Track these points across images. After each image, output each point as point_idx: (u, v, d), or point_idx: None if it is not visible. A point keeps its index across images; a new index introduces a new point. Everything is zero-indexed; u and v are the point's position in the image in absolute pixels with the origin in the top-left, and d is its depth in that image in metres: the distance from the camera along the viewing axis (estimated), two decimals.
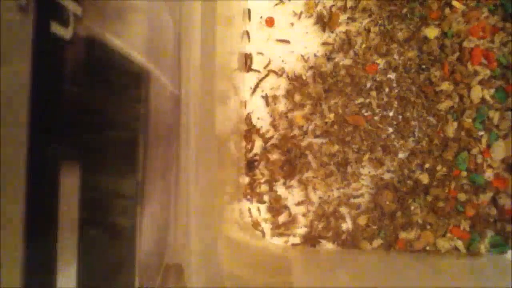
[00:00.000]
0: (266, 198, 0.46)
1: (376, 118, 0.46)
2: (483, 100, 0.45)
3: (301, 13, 0.47)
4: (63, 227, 0.18)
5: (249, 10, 0.47)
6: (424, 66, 0.46)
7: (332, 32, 0.46)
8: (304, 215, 0.46)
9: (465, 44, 0.45)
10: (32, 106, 0.15)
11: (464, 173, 0.45)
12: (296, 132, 0.46)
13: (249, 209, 0.46)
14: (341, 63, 0.46)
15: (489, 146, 0.45)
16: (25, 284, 0.15)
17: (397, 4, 0.46)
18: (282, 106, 0.46)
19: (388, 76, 0.46)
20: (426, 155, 0.45)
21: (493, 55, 0.45)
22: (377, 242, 0.45)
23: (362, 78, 0.45)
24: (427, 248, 0.45)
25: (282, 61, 0.47)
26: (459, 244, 0.45)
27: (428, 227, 0.45)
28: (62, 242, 0.18)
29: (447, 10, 0.45)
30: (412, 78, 0.46)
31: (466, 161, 0.45)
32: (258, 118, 0.47)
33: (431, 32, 0.45)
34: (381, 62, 0.46)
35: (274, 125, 0.46)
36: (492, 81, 0.45)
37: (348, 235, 0.45)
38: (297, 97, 0.46)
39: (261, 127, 0.47)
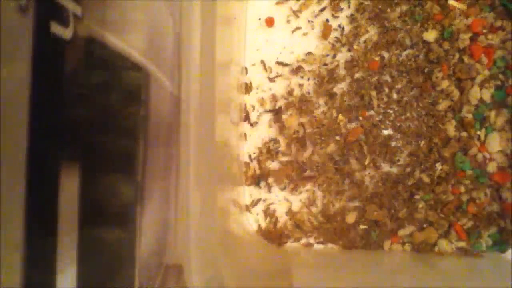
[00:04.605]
0: (266, 198, 0.46)
1: (376, 118, 0.46)
2: (481, 99, 0.45)
3: (300, 13, 0.47)
4: (63, 227, 0.18)
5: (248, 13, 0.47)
6: (424, 66, 0.46)
7: (331, 36, 0.46)
8: (303, 216, 0.46)
9: (464, 42, 0.45)
10: (32, 106, 0.15)
11: (469, 172, 0.45)
12: (296, 134, 0.46)
13: (250, 210, 0.46)
14: (341, 64, 0.46)
15: (484, 140, 0.45)
16: (25, 284, 0.15)
17: (397, 4, 0.46)
18: (281, 106, 0.46)
19: (388, 76, 0.46)
20: (427, 154, 0.45)
21: (492, 53, 0.45)
22: (377, 241, 0.45)
23: (361, 78, 0.45)
24: (435, 248, 0.45)
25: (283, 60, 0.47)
26: (461, 243, 0.45)
27: (430, 225, 0.45)
28: (62, 242, 0.18)
29: (448, 9, 0.45)
30: (412, 78, 0.45)
31: (466, 160, 0.45)
32: (258, 116, 0.47)
33: (432, 32, 0.45)
34: (381, 62, 0.46)
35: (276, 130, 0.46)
36: (491, 80, 0.45)
37: (348, 235, 0.45)
38: (297, 97, 0.46)
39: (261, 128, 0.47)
